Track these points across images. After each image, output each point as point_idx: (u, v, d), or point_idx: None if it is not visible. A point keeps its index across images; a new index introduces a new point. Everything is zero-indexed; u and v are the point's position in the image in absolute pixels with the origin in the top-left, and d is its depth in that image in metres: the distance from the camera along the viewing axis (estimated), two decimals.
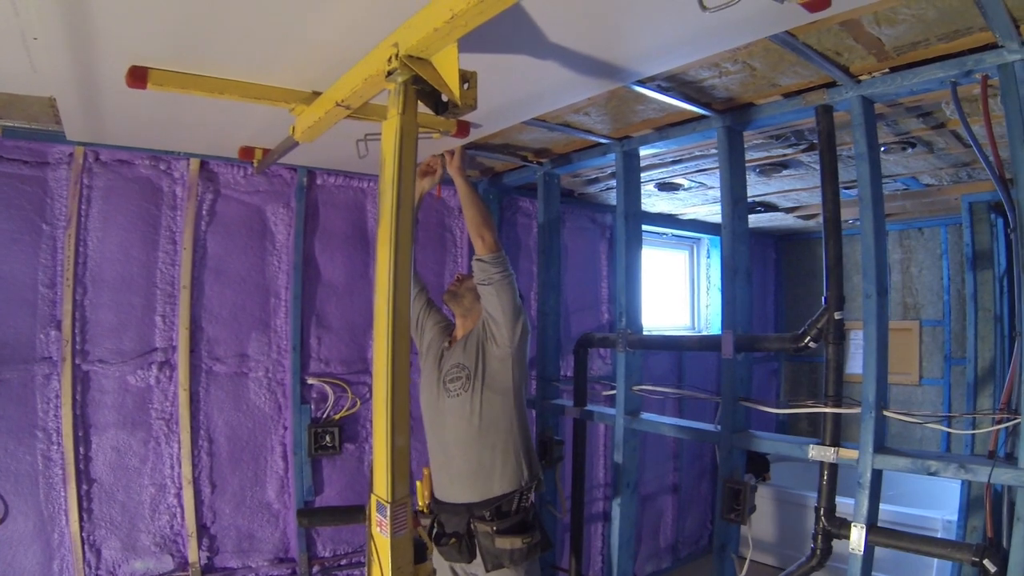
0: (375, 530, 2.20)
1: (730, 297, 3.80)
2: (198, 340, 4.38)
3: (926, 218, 6.75)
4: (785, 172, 4.88)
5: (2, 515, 3.75)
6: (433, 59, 2.15)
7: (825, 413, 3.31)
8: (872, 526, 3.12)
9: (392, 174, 2.17)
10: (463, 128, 3.63)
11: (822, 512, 3.30)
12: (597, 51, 2.69)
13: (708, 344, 4.20)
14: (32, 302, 3.90)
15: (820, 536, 3.32)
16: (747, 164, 4.24)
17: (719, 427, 3.82)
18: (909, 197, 5.75)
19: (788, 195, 5.68)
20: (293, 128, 3.19)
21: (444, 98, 2.19)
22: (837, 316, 3.26)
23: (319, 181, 4.82)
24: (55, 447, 3.93)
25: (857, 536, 3.12)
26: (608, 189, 5.66)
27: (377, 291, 2.23)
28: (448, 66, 2.12)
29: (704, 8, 1.90)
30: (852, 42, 2.84)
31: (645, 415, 4.41)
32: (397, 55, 2.14)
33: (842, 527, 3.21)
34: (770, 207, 6.14)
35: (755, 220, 6.75)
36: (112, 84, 2.86)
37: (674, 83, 3.38)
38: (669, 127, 4.05)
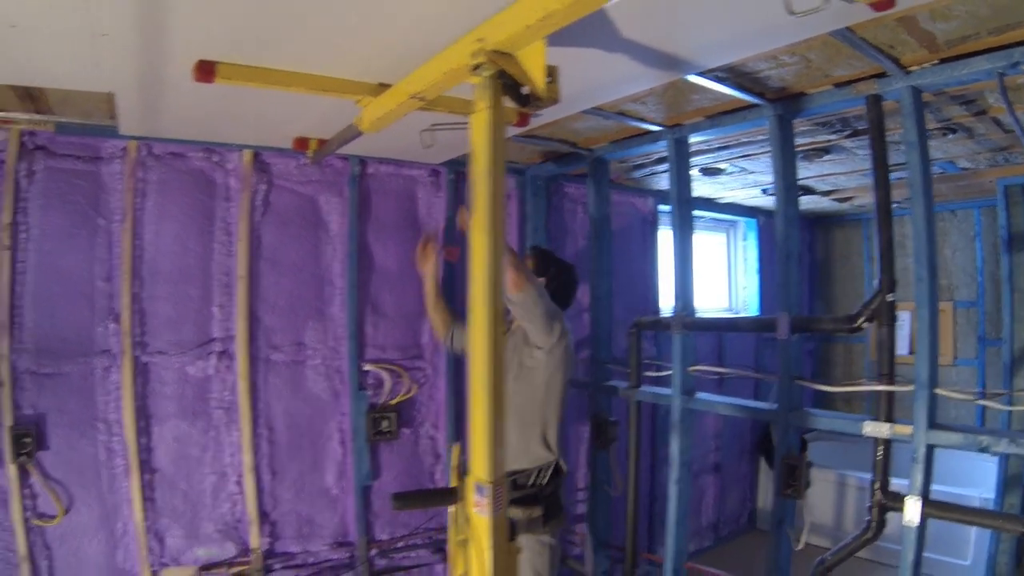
0: (473, 510, 2.15)
1: (784, 279, 3.64)
2: (256, 329, 4.09)
3: (960, 200, 6.43)
4: (827, 157, 4.67)
5: (67, 506, 3.56)
6: (518, 54, 2.08)
7: (879, 391, 3.19)
8: (926, 499, 3.00)
9: (485, 165, 2.07)
10: (523, 118, 3.30)
11: (877, 486, 3.17)
12: (665, 44, 2.57)
13: (763, 325, 4.14)
14: (89, 296, 3.68)
15: (876, 509, 3.18)
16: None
17: (776, 405, 3.66)
18: (944, 180, 5.53)
19: (827, 179, 5.45)
20: (359, 119, 2.97)
21: (524, 91, 2.10)
22: (889, 298, 3.15)
23: (370, 170, 4.48)
24: (116, 438, 3.71)
25: (912, 509, 3.00)
26: (652, 175, 5.40)
27: (473, 279, 2.13)
28: (535, 61, 2.05)
29: (792, 12, 1.92)
30: (906, 36, 2.76)
31: (700, 395, 4.18)
32: (484, 49, 2.05)
33: (896, 500, 3.08)
34: (808, 190, 5.88)
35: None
36: (176, 79, 2.68)
37: (730, 73, 3.23)
38: (720, 115, 3.85)
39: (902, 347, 6.09)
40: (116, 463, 3.71)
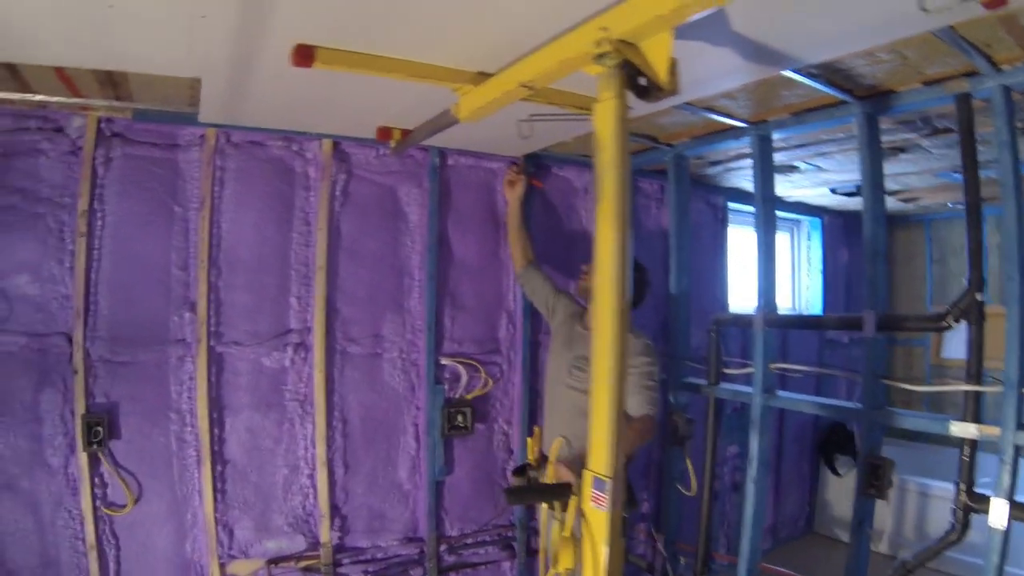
0: (589, 505, 2.09)
1: (872, 278, 3.55)
2: (333, 321, 3.90)
3: None
4: (902, 156, 4.47)
5: (137, 496, 3.46)
6: (642, 44, 1.99)
7: (967, 391, 3.10)
8: (1013, 501, 2.89)
9: (612, 155, 2.00)
10: None
11: (963, 488, 3.11)
12: (773, 38, 2.47)
13: (849, 323, 4.07)
14: (166, 284, 3.55)
15: (961, 511, 3.12)
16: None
17: (860, 404, 3.56)
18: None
19: (897, 178, 5.21)
20: (457, 108, 2.86)
21: (642, 82, 2.02)
22: (978, 297, 3.09)
23: (450, 161, 4.26)
24: (189, 429, 3.59)
25: (999, 511, 2.90)
26: (728, 171, 5.18)
27: (599, 271, 2.03)
28: (659, 52, 1.97)
29: (924, 10, 1.97)
30: (1004, 35, 2.66)
31: (781, 392, 4.03)
32: (609, 38, 1.97)
33: (982, 503, 3.01)
34: None
35: (848, 202, 6.19)
36: (270, 64, 2.60)
37: (823, 70, 3.11)
38: (806, 112, 3.69)
39: (959, 350, 5.86)
40: (188, 454, 3.59)
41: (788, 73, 3.01)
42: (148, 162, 3.51)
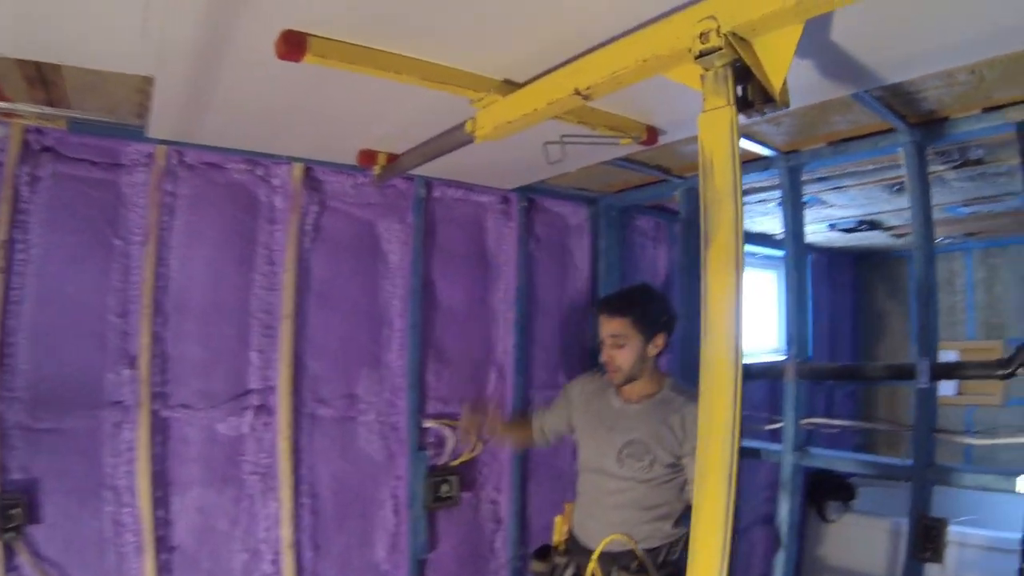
0: None
1: (924, 322, 3.08)
2: (300, 379, 3.24)
3: (1012, 235, 5.86)
4: None
5: None
6: (756, 41, 1.56)
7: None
8: None
9: (727, 180, 1.52)
10: (652, 135, 2.71)
11: None
12: (868, 50, 2.04)
13: (898, 372, 3.65)
14: (100, 334, 2.86)
15: None
16: (885, 182, 3.81)
17: (911, 461, 3.08)
18: (1006, 215, 4.99)
19: (901, 213, 4.81)
20: (475, 123, 2.33)
21: (739, 90, 1.58)
22: None
23: (437, 193, 3.69)
24: (127, 510, 2.86)
25: None
26: None
27: (710, 334, 1.53)
28: (779, 53, 1.55)
29: None
30: None
31: (813, 450, 3.58)
32: (720, 31, 1.51)
33: None
34: (874, 225, 5.25)
35: (836, 239, 5.88)
36: (245, 56, 2.02)
37: (887, 92, 2.64)
38: (846, 141, 3.22)
39: (947, 388, 5.67)
40: (126, 540, 2.87)
41: (850, 97, 2.54)
42: (84, 184, 2.84)
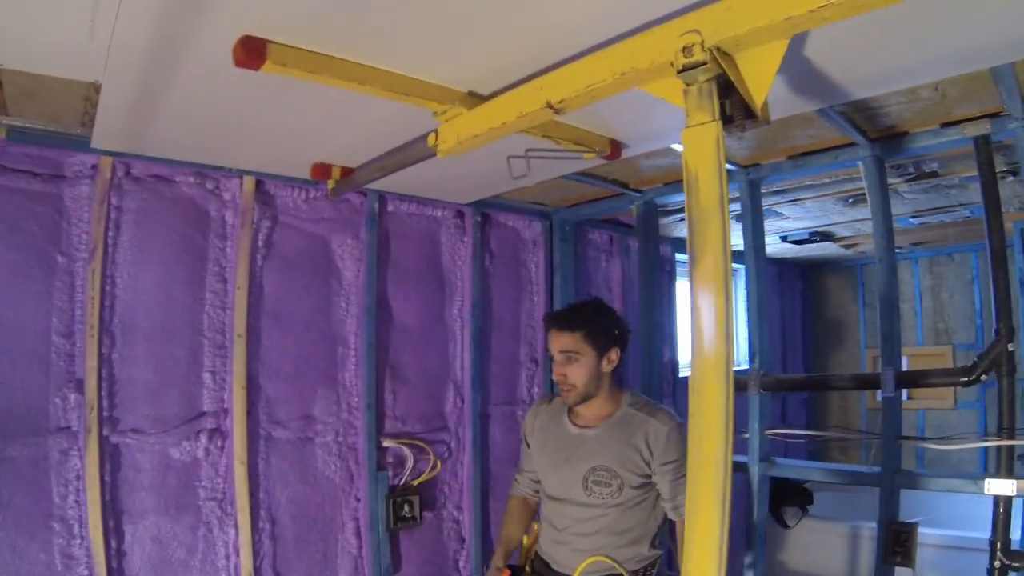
0: None
1: (888, 331, 3.17)
2: (255, 401, 3.08)
3: (956, 244, 6.06)
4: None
5: None
6: (739, 56, 1.55)
7: (1000, 446, 2.86)
8: None
9: (714, 196, 1.48)
10: (616, 149, 2.71)
11: (999, 547, 2.80)
12: (835, 68, 2.05)
13: (863, 382, 3.92)
14: (44, 356, 2.65)
15: (997, 571, 2.82)
16: (841, 194, 3.95)
17: (878, 468, 3.17)
18: (953, 225, 5.12)
19: (852, 225, 4.91)
20: (437, 138, 2.27)
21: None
22: (1010, 347, 2.81)
23: (391, 208, 3.57)
24: (78, 541, 2.67)
25: None
26: (683, 221, 4.61)
27: (697, 354, 1.50)
28: (762, 68, 1.54)
29: None
30: None
31: (780, 460, 3.62)
32: (704, 45, 1.49)
33: (1020, 559, 2.77)
34: (826, 236, 5.30)
35: (786, 250, 5.91)
36: (202, 62, 1.91)
37: (849, 107, 2.68)
38: (806, 155, 3.26)
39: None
40: (78, 573, 2.67)
41: (817, 112, 2.57)
42: (24, 196, 2.65)
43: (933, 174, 3.55)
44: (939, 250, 6.28)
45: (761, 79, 1.55)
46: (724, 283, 1.46)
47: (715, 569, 1.44)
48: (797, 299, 7.14)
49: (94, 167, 2.76)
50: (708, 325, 1.48)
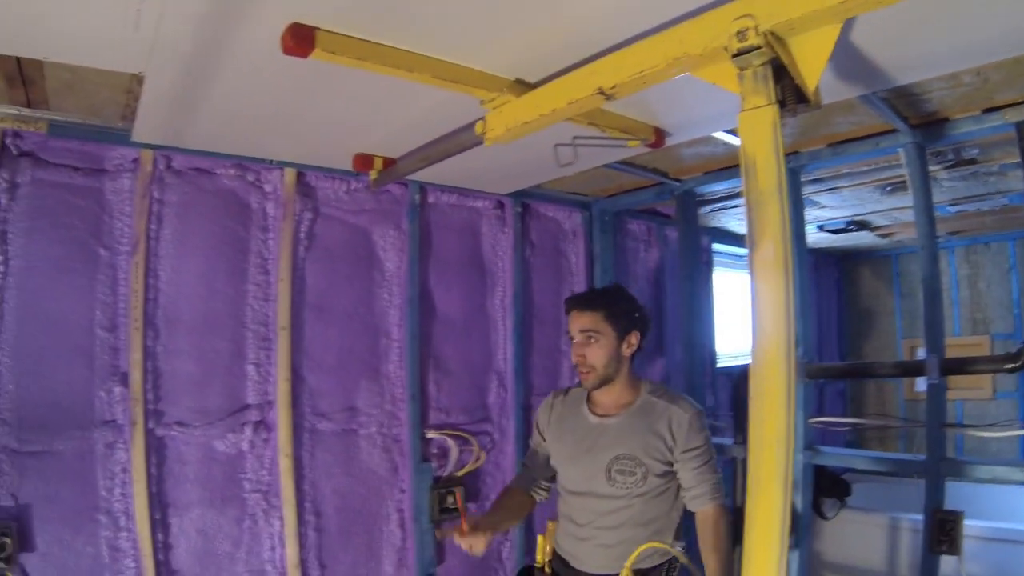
0: None
1: (931, 320, 3.12)
2: (299, 393, 3.06)
3: (995, 233, 5.91)
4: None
5: None
6: (792, 40, 1.53)
7: None
8: None
9: (772, 181, 1.46)
10: (660, 137, 2.66)
11: None
12: (880, 53, 1.99)
13: (908, 369, 3.95)
14: (88, 350, 2.64)
15: None
16: (878, 182, 3.86)
17: (923, 456, 3.13)
18: (990, 214, 5.00)
19: (889, 213, 4.81)
20: (485, 125, 2.21)
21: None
22: None
23: (431, 199, 3.54)
24: (124, 534, 2.65)
25: None
26: (720, 211, 4.63)
27: (760, 342, 1.47)
28: (815, 53, 1.53)
29: None
30: None
31: (826, 448, 3.58)
32: (759, 29, 1.48)
33: None
34: (863, 225, 5.20)
35: (822, 239, 5.84)
36: (248, 52, 1.89)
37: (891, 93, 2.63)
38: (846, 143, 3.21)
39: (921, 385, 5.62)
40: (124, 566, 2.66)
41: (855, 98, 2.50)
42: (67, 191, 2.63)
43: (972, 161, 3.49)
44: (976, 239, 6.13)
45: (814, 63, 1.54)
46: (784, 266, 1.44)
47: (777, 550, 1.41)
48: (832, 289, 7.06)
49: (135, 160, 2.74)
50: (770, 309, 1.46)
